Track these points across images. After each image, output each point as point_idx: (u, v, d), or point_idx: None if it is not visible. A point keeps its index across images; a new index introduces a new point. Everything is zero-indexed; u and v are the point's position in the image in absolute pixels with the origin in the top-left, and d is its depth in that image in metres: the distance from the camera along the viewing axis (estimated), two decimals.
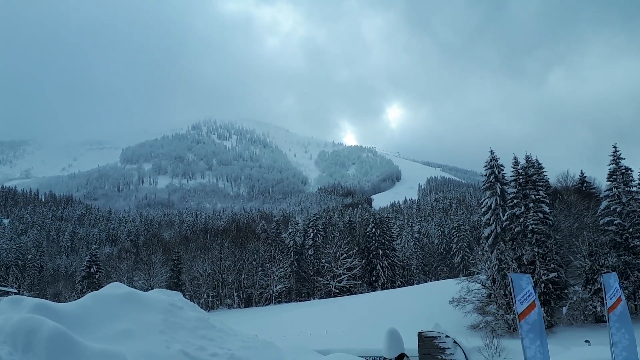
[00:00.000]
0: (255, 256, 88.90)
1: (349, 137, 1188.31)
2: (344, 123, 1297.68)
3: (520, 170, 46.03)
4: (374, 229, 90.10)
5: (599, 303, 39.49)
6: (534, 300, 12.73)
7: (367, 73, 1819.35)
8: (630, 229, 43.36)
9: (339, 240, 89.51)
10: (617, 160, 45.42)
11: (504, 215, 47.06)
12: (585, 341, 30.12)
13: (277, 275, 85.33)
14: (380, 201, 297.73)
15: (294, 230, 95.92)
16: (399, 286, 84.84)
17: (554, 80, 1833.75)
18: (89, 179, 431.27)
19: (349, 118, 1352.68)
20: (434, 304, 51.28)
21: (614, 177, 45.24)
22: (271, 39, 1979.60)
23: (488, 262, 45.92)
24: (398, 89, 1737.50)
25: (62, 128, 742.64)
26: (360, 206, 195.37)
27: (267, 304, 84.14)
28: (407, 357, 9.42)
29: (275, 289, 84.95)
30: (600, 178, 68.52)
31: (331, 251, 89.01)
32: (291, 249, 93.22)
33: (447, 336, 26.67)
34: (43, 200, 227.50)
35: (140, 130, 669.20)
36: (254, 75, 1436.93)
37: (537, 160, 49.61)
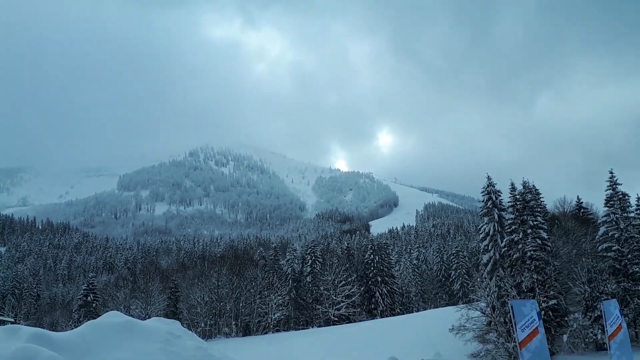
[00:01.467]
0: (253, 284, 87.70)
1: (341, 163, 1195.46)
2: (335, 148, 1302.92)
3: (517, 196, 45.49)
4: (372, 256, 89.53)
5: (600, 330, 38.85)
6: (536, 327, 12.50)
7: (355, 97, 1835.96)
8: (629, 255, 42.90)
9: (337, 267, 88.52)
10: (614, 186, 45.05)
11: (502, 242, 46.17)
12: None
13: (275, 303, 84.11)
14: (378, 227, 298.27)
15: (292, 257, 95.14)
16: (398, 314, 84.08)
17: (542, 103, 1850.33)
18: (86, 206, 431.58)
19: (340, 143, 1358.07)
20: (434, 332, 50.50)
21: (611, 202, 44.82)
22: (259, 64, 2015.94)
23: (487, 289, 45.09)
24: (387, 114, 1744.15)
25: (59, 156, 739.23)
26: (358, 232, 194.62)
27: (266, 333, 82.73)
28: None
29: (273, 317, 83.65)
30: (593, 202, 68.69)
31: (329, 278, 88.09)
32: (289, 276, 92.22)
33: None
34: (40, 228, 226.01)
35: (137, 157, 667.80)
36: (245, 101, 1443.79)
37: (534, 185, 49.26)
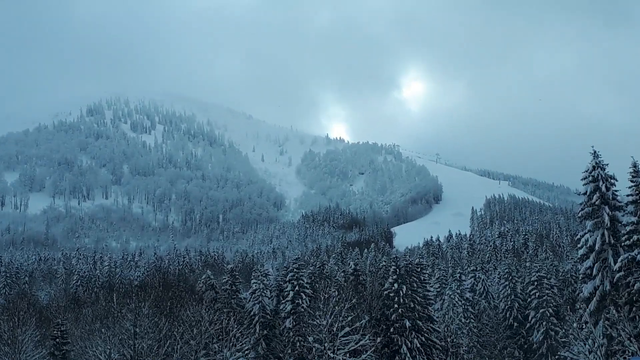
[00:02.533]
0: (195, 331, 62.38)
1: (339, 129, 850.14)
2: (331, 104, 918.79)
3: None
4: (396, 285, 66.91)
5: None
6: None
7: (362, 15, 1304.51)
8: None
9: (337, 304, 62.33)
10: None
11: (616, 262, 38.82)
12: None
13: None
14: (407, 236, 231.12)
15: (261, 286, 71.43)
16: None
17: None
18: None
19: (338, 96, 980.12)
20: None
21: None
22: None
23: (589, 340, 38.36)
24: (416, 44, 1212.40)
25: None
26: (373, 245, 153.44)
27: None
28: None
29: None
30: None
31: (324, 322, 61.82)
32: (256, 318, 69.03)
33: None
34: None
35: None
36: (180, 26, 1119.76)
37: None
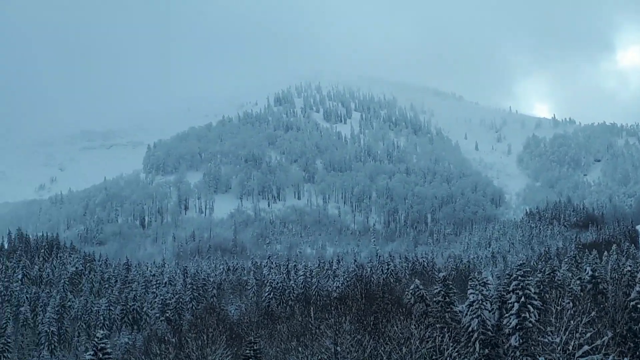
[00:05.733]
0: (405, 350, 62.24)
1: (541, 108, 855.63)
2: (522, 75, 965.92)
3: None
4: None
5: None
6: None
7: None
8: None
9: (572, 318, 60.22)
10: None
11: None
12: None
13: None
14: None
15: (480, 297, 71.15)
16: None
17: None
18: (87, 205, 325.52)
19: (532, 64, 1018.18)
20: None
21: None
22: None
23: None
24: None
25: (34, 113, 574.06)
26: (614, 246, 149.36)
27: None
28: None
29: None
30: None
31: (557, 339, 60.03)
32: (475, 334, 68.30)
33: None
34: (6, 247, 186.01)
35: (178, 111, 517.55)
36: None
37: None
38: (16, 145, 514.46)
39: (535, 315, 65.79)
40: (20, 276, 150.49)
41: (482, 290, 74.43)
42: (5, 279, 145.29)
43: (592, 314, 65.62)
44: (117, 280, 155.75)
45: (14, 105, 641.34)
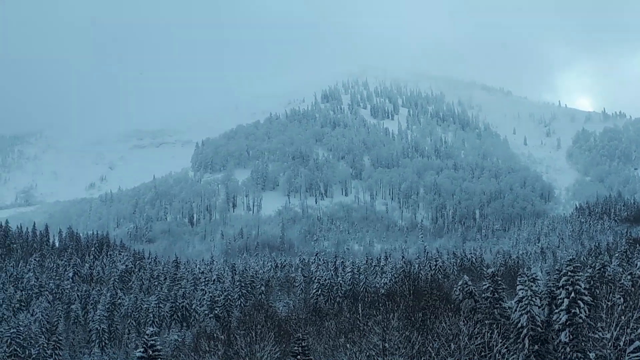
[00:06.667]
0: (454, 347, 62.74)
1: (583, 102, 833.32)
2: (565, 68, 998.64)
3: None
4: None
5: None
6: None
7: None
8: None
9: (623, 314, 60.65)
10: None
11: None
12: None
13: None
14: None
15: (529, 293, 70.27)
16: None
17: None
18: (136, 203, 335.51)
19: (574, 55, 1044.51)
20: None
21: None
22: None
23: None
24: None
25: (86, 113, 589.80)
26: None
27: None
28: None
29: None
30: None
31: (608, 335, 60.37)
32: (524, 330, 67.61)
33: None
34: (57, 245, 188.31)
35: (226, 110, 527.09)
36: None
37: None
38: (67, 145, 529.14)
39: (585, 311, 65.28)
40: (71, 274, 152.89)
41: (532, 286, 73.73)
42: (57, 277, 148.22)
43: None
44: (166, 278, 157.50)
45: (66, 106, 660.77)
